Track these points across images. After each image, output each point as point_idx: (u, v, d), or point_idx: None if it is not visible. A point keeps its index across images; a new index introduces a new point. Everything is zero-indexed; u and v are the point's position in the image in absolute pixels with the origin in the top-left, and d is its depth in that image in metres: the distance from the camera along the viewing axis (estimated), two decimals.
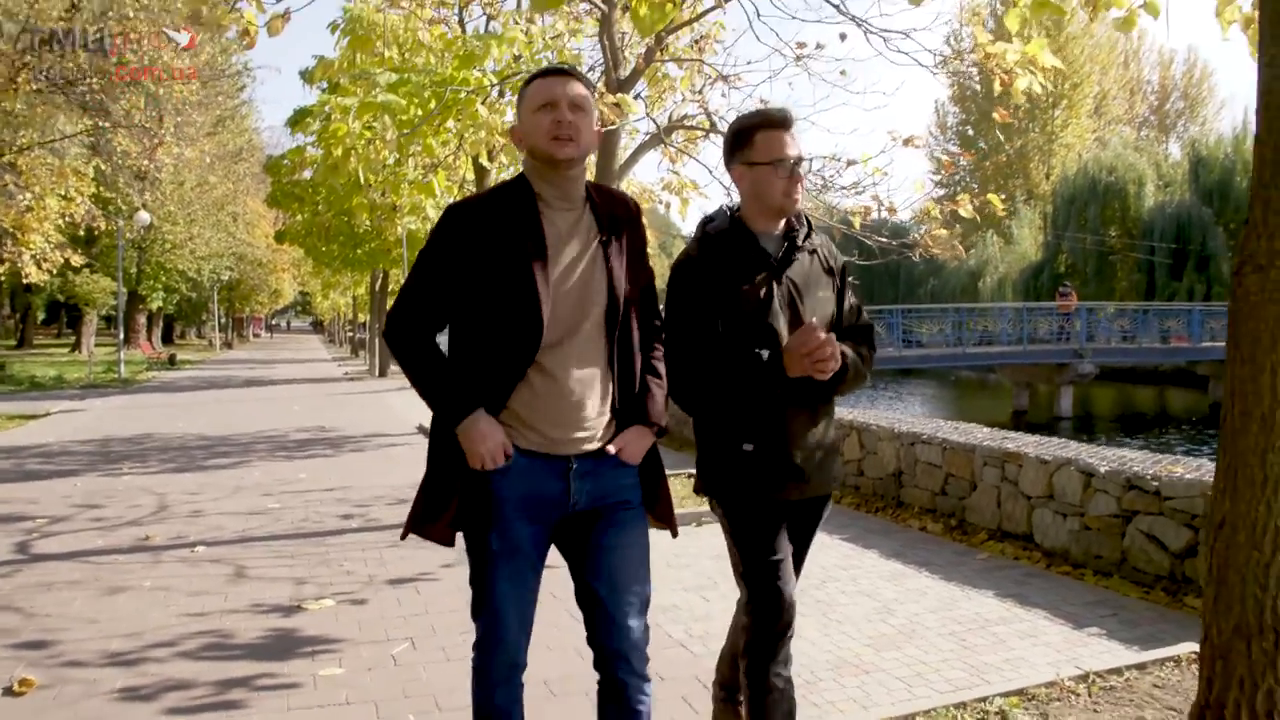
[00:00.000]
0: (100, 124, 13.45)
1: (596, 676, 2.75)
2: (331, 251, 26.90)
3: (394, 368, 30.31)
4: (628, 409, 2.74)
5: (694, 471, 3.10)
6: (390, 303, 21.45)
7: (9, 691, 4.18)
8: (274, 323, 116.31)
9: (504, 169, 11.96)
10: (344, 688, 4.20)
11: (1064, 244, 48.13)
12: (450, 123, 7.83)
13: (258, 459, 11.76)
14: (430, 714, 3.90)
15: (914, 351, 28.99)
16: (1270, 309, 3.08)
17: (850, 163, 9.67)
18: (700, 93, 9.54)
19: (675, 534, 2.91)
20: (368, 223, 22.05)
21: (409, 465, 10.85)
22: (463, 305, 2.62)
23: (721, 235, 3.02)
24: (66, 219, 14.92)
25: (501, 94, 8.96)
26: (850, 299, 3.19)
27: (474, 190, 13.73)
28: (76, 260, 17.42)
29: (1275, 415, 3.07)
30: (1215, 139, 48.53)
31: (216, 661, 4.55)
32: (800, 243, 3.06)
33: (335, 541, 7.09)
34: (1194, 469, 5.84)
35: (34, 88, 12.43)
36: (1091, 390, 33.85)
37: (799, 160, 2.96)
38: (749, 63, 33.63)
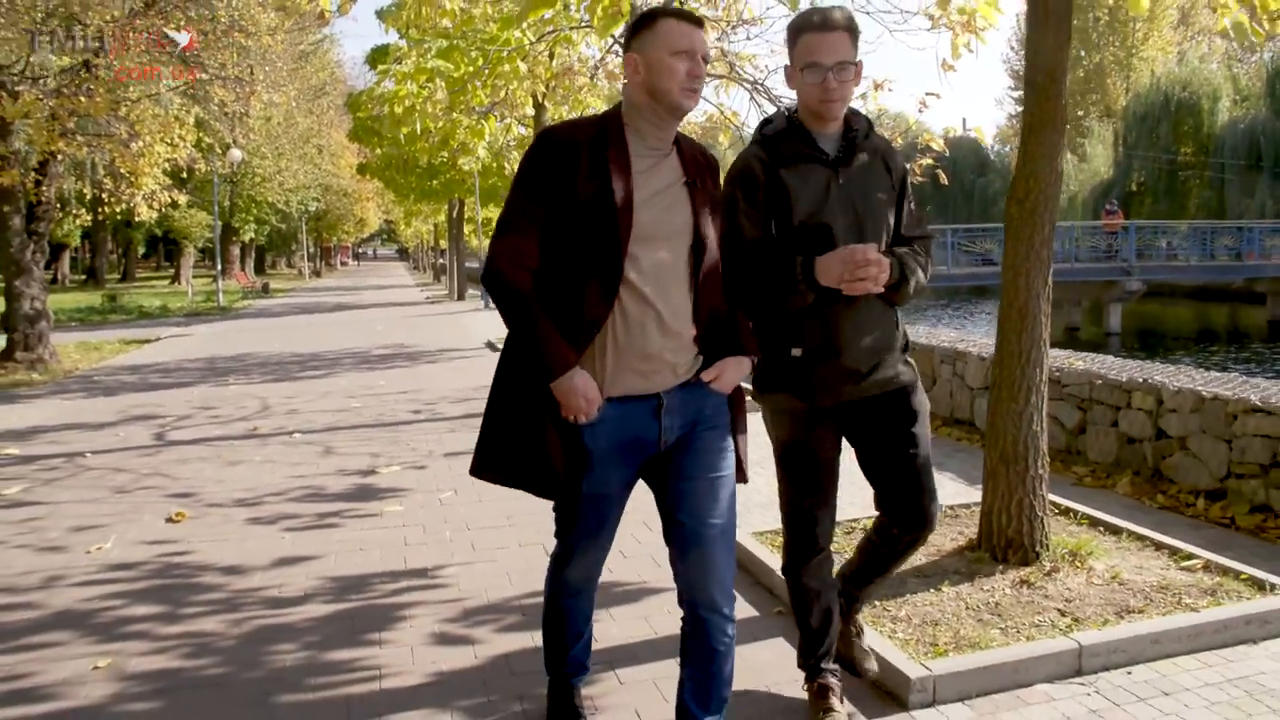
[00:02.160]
0: (200, 77, 15.08)
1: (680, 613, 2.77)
2: (409, 183, 28.54)
3: (472, 290, 32.09)
4: (718, 341, 2.76)
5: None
6: (467, 230, 23.03)
7: (169, 520, 5.85)
8: (361, 251, 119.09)
9: (560, 105, 13.23)
10: (403, 517, 5.82)
11: (1135, 162, 47.86)
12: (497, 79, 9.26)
13: (343, 370, 13.51)
14: (461, 531, 5.49)
15: (981, 269, 29.93)
16: (1024, 231, 4.43)
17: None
18: (720, 41, 10.68)
19: (744, 480, 2.86)
20: (444, 155, 23.60)
21: (476, 374, 12.49)
22: (554, 233, 2.60)
23: (779, 135, 3.02)
24: (171, 162, 16.63)
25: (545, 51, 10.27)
26: (910, 206, 3.15)
27: (532, 127, 15.15)
28: (181, 199, 19.31)
29: (1025, 306, 4.44)
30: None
31: (314, 503, 6.20)
32: (859, 142, 3.04)
33: (405, 429, 8.76)
34: (1090, 361, 7.14)
35: (141, 48, 14.06)
36: (1145, 308, 34.31)
37: (838, 67, 2.86)
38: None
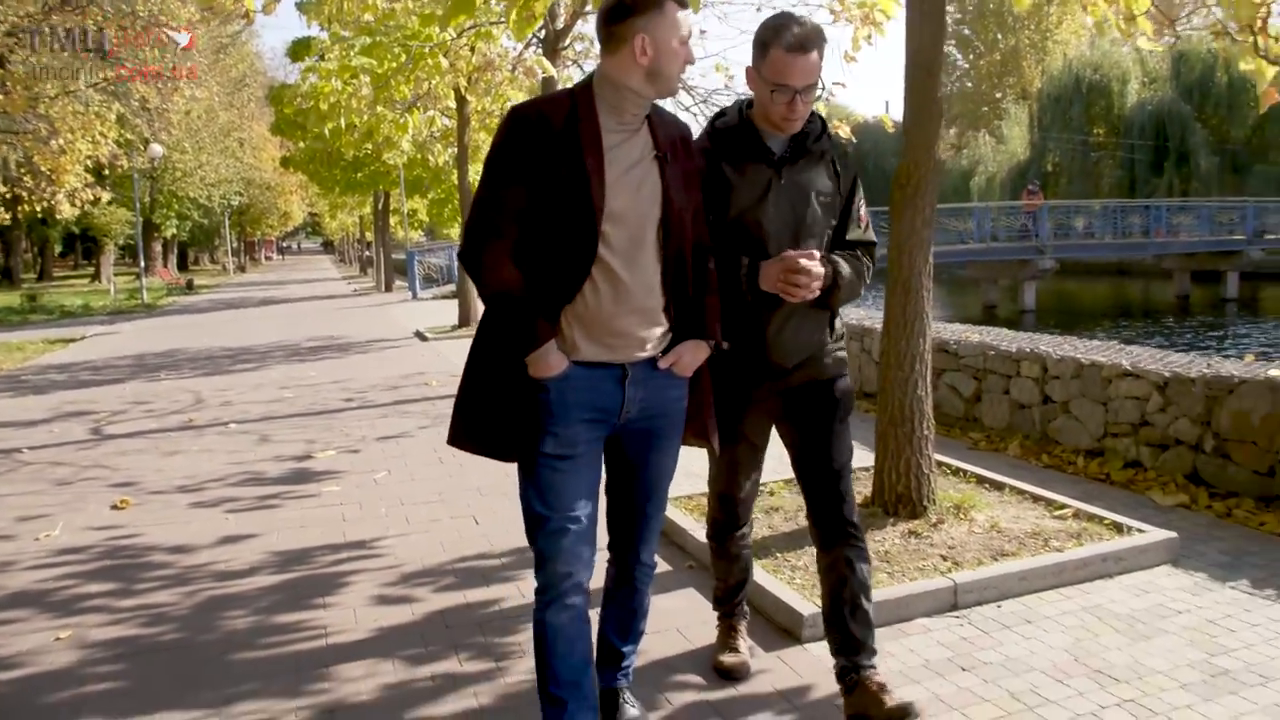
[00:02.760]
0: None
1: (607, 558, 2.98)
2: (334, 176, 28.49)
3: (399, 282, 32.12)
4: (683, 322, 2.80)
5: None
6: (393, 222, 23.17)
7: (114, 507, 6.09)
8: (285, 245, 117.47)
9: (482, 97, 13.47)
10: (340, 496, 6.12)
11: (1050, 143, 49.14)
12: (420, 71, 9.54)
13: (275, 363, 13.67)
14: (396, 507, 5.81)
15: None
16: (907, 213, 4.86)
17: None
18: None
19: (714, 450, 3.06)
20: (369, 147, 23.69)
21: (405, 362, 12.76)
22: (526, 210, 2.61)
23: (729, 130, 3.08)
24: (92, 159, 16.60)
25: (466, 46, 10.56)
26: (859, 211, 3.20)
27: (455, 119, 15.39)
28: (105, 196, 19.22)
29: (908, 282, 4.88)
30: (1197, 36, 49.29)
31: (254, 486, 6.47)
32: (809, 145, 3.07)
33: (338, 416, 9.04)
34: (985, 334, 7.65)
35: (59, 45, 14.07)
36: (1063, 286, 35.47)
37: (806, 88, 2.90)
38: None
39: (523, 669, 3.55)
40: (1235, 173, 43.82)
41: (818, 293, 2.92)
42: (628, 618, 3.02)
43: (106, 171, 23.21)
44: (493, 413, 2.67)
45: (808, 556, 4.36)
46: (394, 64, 9.33)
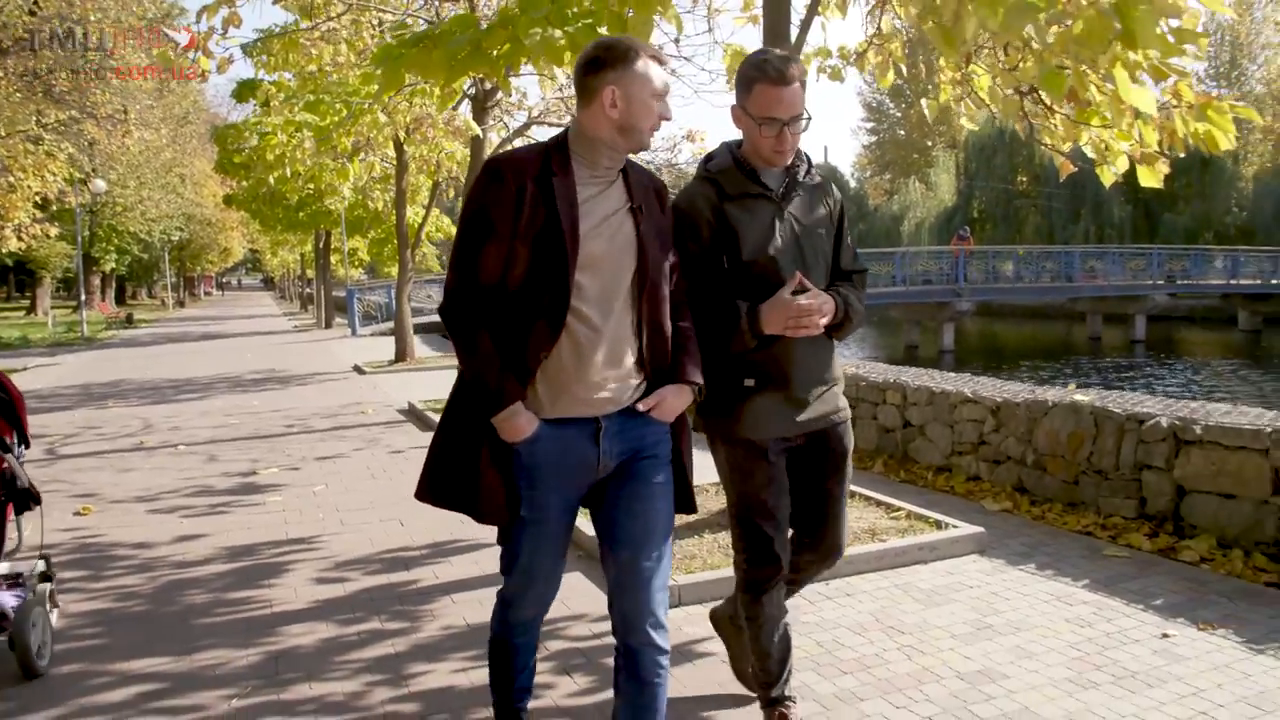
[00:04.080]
0: (74, 115, 15.79)
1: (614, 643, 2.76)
2: (276, 215, 29.13)
3: (339, 319, 32.73)
4: (661, 370, 2.76)
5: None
6: (334, 259, 23.88)
7: (77, 514, 6.83)
8: (225, 280, 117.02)
9: (419, 145, 14.32)
10: (282, 504, 6.92)
11: (976, 190, 51.05)
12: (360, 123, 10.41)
13: (219, 393, 14.35)
14: (332, 513, 6.62)
15: None
16: None
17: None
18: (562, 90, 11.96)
19: (693, 510, 2.90)
20: (310, 188, 24.46)
21: (344, 393, 13.55)
22: (503, 265, 2.59)
23: (724, 173, 3.07)
24: (40, 195, 17.22)
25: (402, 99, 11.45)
26: (848, 240, 3.23)
27: (395, 166, 16.25)
28: (53, 232, 19.83)
29: None
30: None
31: (204, 497, 7.24)
32: (801, 178, 3.11)
33: (280, 439, 9.81)
34: (858, 367, 8.63)
35: (12, 86, 14.74)
36: (979, 326, 37.01)
37: (793, 119, 2.92)
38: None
39: (434, 627, 4.41)
40: (1148, 220, 46.00)
41: (822, 328, 2.95)
42: (640, 716, 2.72)
43: (54, 207, 23.71)
44: (464, 472, 2.65)
45: (678, 547, 5.23)
46: (335, 119, 10.19)
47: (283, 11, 9.97)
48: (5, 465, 4.13)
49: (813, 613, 4.52)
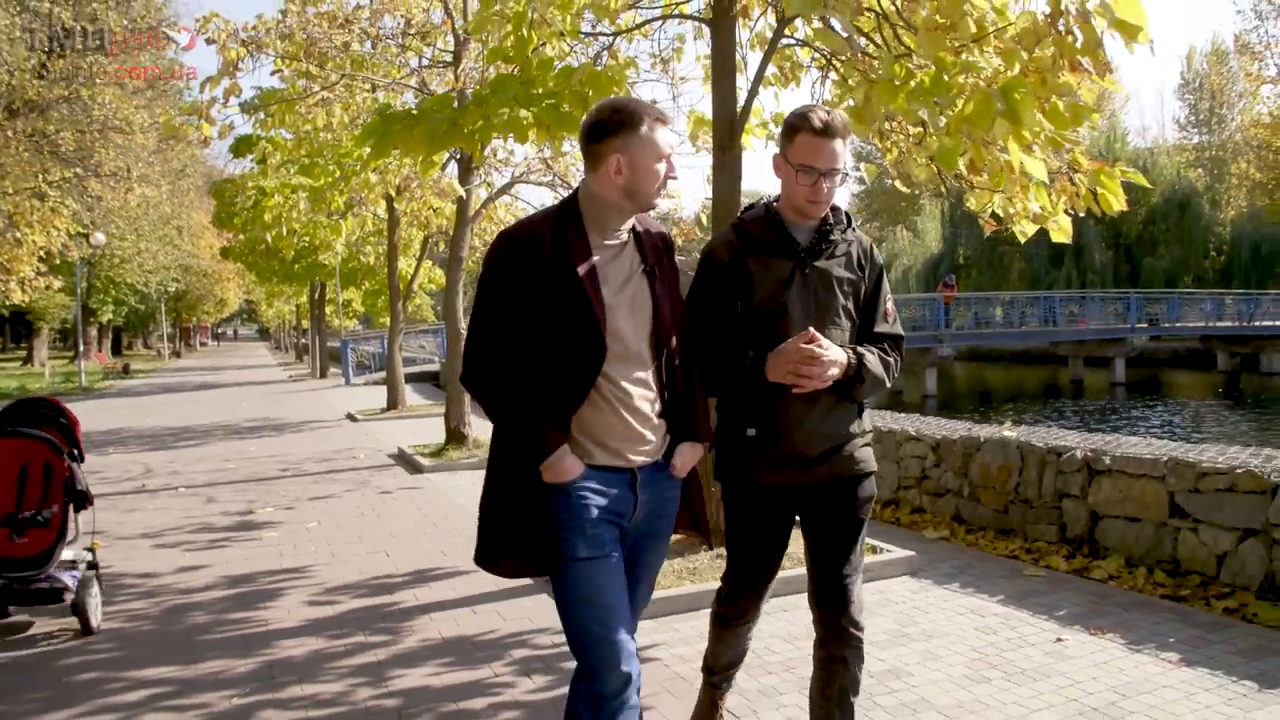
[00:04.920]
0: (78, 173, 16.49)
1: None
2: (272, 266, 29.79)
3: (334, 369, 33.28)
4: (677, 423, 2.84)
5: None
6: (329, 310, 24.49)
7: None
8: (220, 330, 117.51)
9: (410, 202, 14.98)
10: (278, 540, 7.48)
11: (962, 237, 51.83)
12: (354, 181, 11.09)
13: (216, 440, 14.91)
14: (323, 546, 7.18)
15: None
16: None
17: None
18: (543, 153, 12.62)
19: (710, 545, 3.10)
20: (306, 239, 25.17)
21: (337, 440, 14.14)
22: (525, 331, 2.63)
23: (755, 223, 3.11)
24: (44, 249, 17.88)
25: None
26: (885, 304, 3.20)
27: (386, 221, 16.90)
28: (56, 284, 20.53)
29: None
30: (1091, 138, 52.82)
31: (205, 533, 7.79)
32: (833, 235, 3.10)
33: (275, 482, 10.37)
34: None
35: (20, 145, 15.44)
36: (966, 371, 37.67)
37: (830, 172, 2.97)
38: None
39: (413, 640, 4.97)
40: (1129, 263, 46.86)
41: (829, 381, 2.93)
42: None
43: (58, 261, 24.38)
44: (519, 527, 2.65)
45: None
46: (329, 179, 10.86)
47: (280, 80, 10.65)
48: (69, 472, 5.36)
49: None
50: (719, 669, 3.54)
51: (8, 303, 21.23)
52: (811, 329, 2.92)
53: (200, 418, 18.84)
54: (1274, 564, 5.12)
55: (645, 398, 2.73)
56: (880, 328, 3.17)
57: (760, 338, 3.00)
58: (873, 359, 3.05)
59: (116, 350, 63.48)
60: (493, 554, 2.71)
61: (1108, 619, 4.99)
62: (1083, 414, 26.94)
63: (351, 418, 17.62)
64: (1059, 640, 4.72)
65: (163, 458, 12.90)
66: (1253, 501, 5.23)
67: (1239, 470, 5.31)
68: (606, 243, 2.71)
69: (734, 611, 3.34)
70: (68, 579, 5.29)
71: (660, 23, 7.20)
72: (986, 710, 3.98)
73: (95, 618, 5.34)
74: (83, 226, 26.95)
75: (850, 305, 3.12)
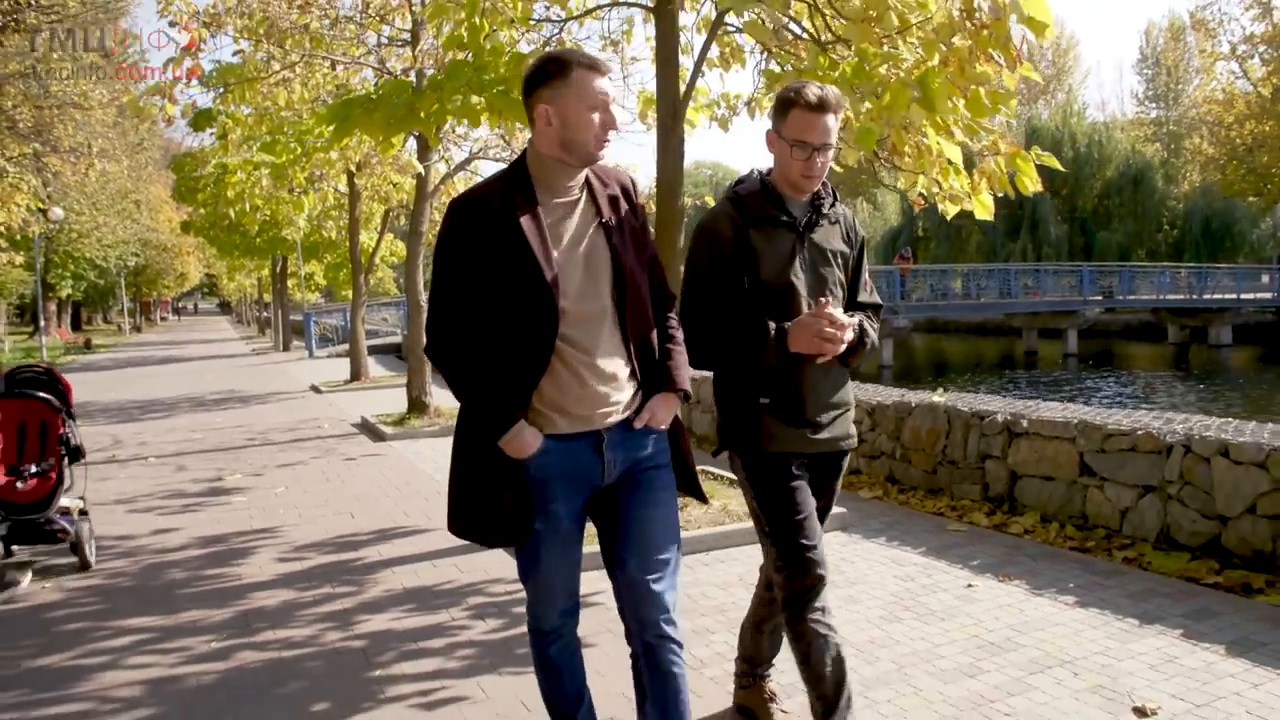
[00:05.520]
0: (36, 149, 16.58)
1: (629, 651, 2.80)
2: (233, 240, 29.79)
3: (297, 342, 33.40)
4: (651, 377, 2.78)
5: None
6: (291, 284, 24.71)
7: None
8: (181, 305, 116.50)
9: (370, 176, 15.16)
10: (247, 504, 7.84)
11: (921, 210, 52.37)
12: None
13: (182, 412, 15.17)
14: (291, 509, 7.54)
15: None
16: None
17: None
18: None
19: (705, 501, 2.97)
20: (267, 213, 25.28)
21: (302, 410, 14.44)
22: (481, 298, 2.62)
23: (752, 196, 3.13)
24: (4, 225, 17.95)
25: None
26: (866, 275, 3.32)
27: (347, 197, 17.12)
28: (18, 260, 20.54)
29: None
30: (1049, 112, 53.68)
31: (177, 499, 8.13)
32: (825, 210, 3.17)
33: (243, 451, 10.70)
34: None
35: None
36: (924, 342, 38.31)
37: (824, 147, 3.00)
38: None
39: (376, 590, 5.36)
40: (1083, 237, 47.72)
41: (843, 348, 3.01)
42: (669, 709, 2.74)
43: (17, 235, 24.36)
44: (484, 498, 2.68)
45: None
46: (290, 157, 11.12)
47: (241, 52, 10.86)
48: (65, 430, 6.14)
49: (690, 575, 5.50)
50: (831, 699, 3.09)
51: None
52: (824, 299, 3.01)
53: (166, 391, 19.04)
54: (1168, 517, 5.61)
55: (611, 355, 2.69)
56: (863, 297, 3.31)
57: (768, 311, 3.04)
58: (869, 327, 3.19)
59: (76, 325, 62.89)
60: (461, 523, 2.78)
61: (1017, 568, 5.45)
62: (1036, 384, 27.56)
63: (315, 389, 17.88)
64: (969, 586, 5.17)
65: (131, 429, 13.16)
66: (1151, 460, 5.71)
67: (1139, 432, 5.79)
68: (556, 201, 2.67)
69: (805, 585, 3.07)
70: (64, 522, 5.98)
71: (609, 8, 7.55)
72: (896, 645, 4.41)
73: (91, 555, 6.09)
74: (41, 202, 26.94)
75: (842, 277, 3.23)
